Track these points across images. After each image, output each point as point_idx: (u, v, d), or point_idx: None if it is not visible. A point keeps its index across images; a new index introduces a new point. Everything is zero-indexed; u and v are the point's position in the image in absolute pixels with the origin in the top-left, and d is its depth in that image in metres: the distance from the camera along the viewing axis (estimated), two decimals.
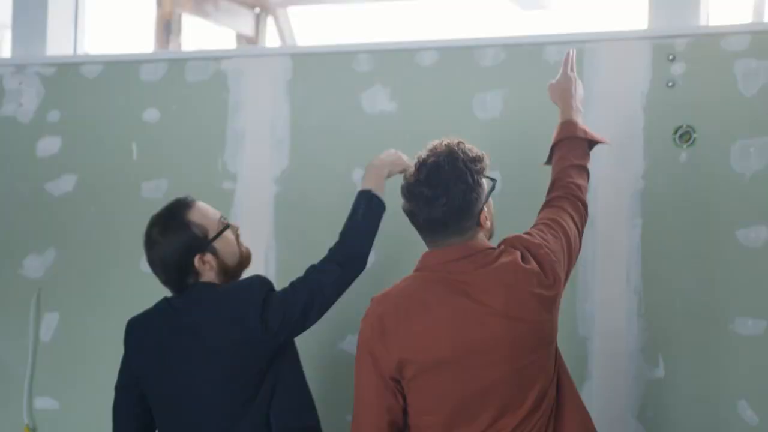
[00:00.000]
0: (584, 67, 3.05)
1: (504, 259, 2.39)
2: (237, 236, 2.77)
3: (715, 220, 2.91)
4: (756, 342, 2.85)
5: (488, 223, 2.46)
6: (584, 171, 2.67)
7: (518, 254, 2.40)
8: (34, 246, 3.56)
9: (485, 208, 2.43)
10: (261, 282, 2.69)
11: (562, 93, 2.80)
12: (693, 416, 2.90)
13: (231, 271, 2.73)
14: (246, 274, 2.79)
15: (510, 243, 2.45)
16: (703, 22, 3.08)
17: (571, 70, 2.81)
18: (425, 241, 2.46)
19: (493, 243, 2.48)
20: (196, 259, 2.66)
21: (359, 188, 2.83)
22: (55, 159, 3.57)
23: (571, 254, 2.50)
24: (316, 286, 2.70)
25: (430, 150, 2.43)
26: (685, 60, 2.97)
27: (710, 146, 2.93)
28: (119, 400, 2.77)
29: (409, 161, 2.86)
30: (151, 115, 3.48)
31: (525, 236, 2.46)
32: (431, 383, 2.35)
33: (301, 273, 2.76)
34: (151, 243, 2.69)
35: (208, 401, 2.62)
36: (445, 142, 2.43)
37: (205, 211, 2.71)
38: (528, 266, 2.38)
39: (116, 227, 3.45)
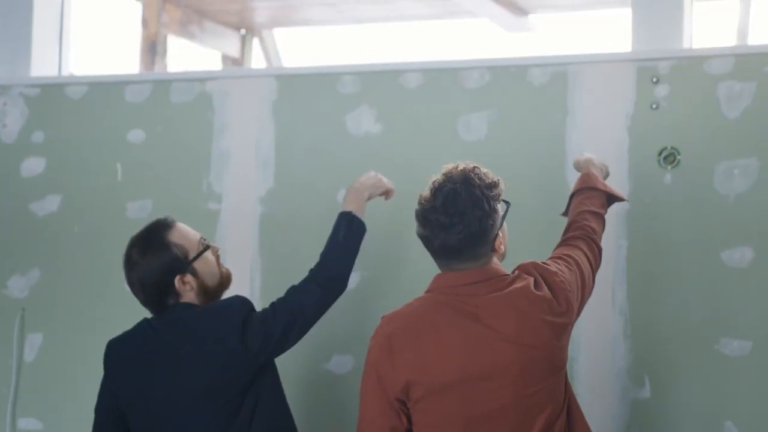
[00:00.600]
0: (569, 90, 3.06)
1: (517, 285, 2.38)
2: (217, 257, 2.76)
3: (699, 241, 2.92)
4: (742, 363, 2.85)
5: (502, 247, 2.45)
6: (600, 219, 2.68)
7: (531, 280, 2.40)
8: (18, 266, 3.55)
9: (500, 234, 2.43)
10: (241, 302, 2.68)
11: (586, 161, 2.82)
12: None
13: (211, 291, 2.71)
14: (229, 294, 2.78)
15: (525, 269, 2.44)
16: (686, 44, 3.10)
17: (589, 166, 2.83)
18: (439, 265, 2.44)
19: (506, 267, 2.47)
20: (176, 280, 2.64)
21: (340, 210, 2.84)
22: (39, 179, 3.56)
23: (584, 289, 2.50)
24: (297, 306, 2.70)
25: (445, 175, 2.40)
26: (669, 82, 2.98)
27: (694, 168, 2.94)
28: (99, 423, 2.74)
29: (390, 184, 2.86)
30: (136, 135, 3.47)
31: (541, 263, 2.46)
32: (437, 406, 2.33)
33: (284, 292, 2.76)
34: (131, 264, 2.67)
35: (189, 421, 2.60)
36: (460, 167, 2.41)
37: (185, 232, 2.70)
38: (540, 293, 2.37)
39: (101, 247, 3.43)
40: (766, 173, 2.88)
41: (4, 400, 3.52)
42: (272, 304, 2.73)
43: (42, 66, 3.76)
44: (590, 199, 2.70)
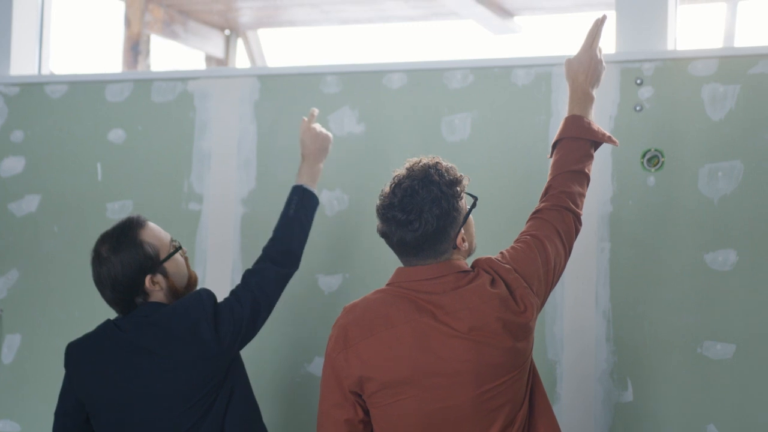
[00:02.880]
0: (553, 91, 3.05)
1: (474, 283, 2.37)
2: (186, 259, 2.75)
3: (683, 243, 2.91)
4: (725, 366, 2.84)
5: (465, 244, 2.43)
6: (583, 176, 2.57)
7: (488, 278, 2.38)
8: None
9: (462, 230, 2.41)
10: (208, 294, 2.68)
11: (576, 74, 2.66)
12: None
13: (179, 293, 2.70)
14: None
15: (481, 265, 2.43)
16: (670, 46, 3.09)
17: (595, 44, 2.66)
18: (400, 260, 2.44)
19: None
20: (147, 280, 2.62)
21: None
22: (18, 179, 3.53)
23: (549, 275, 2.45)
24: (257, 289, 2.74)
25: (407, 170, 2.39)
26: (652, 84, 2.97)
27: (678, 170, 2.93)
28: (60, 427, 2.70)
29: (322, 129, 2.97)
30: (117, 135, 3.45)
31: (495, 260, 2.44)
32: (392, 402, 2.32)
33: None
34: (101, 260, 2.64)
35: (163, 419, 2.57)
36: (422, 163, 2.40)
37: (157, 232, 2.69)
38: (495, 290, 2.35)
39: (80, 248, 3.40)
40: (750, 176, 2.87)
41: None
42: (233, 292, 2.75)
43: (21, 64, 3.73)
44: (572, 153, 2.57)
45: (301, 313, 3.20)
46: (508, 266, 2.41)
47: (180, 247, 2.71)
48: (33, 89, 3.55)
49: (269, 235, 3.25)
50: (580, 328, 2.96)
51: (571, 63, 2.68)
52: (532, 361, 2.43)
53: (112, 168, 3.44)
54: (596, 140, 2.61)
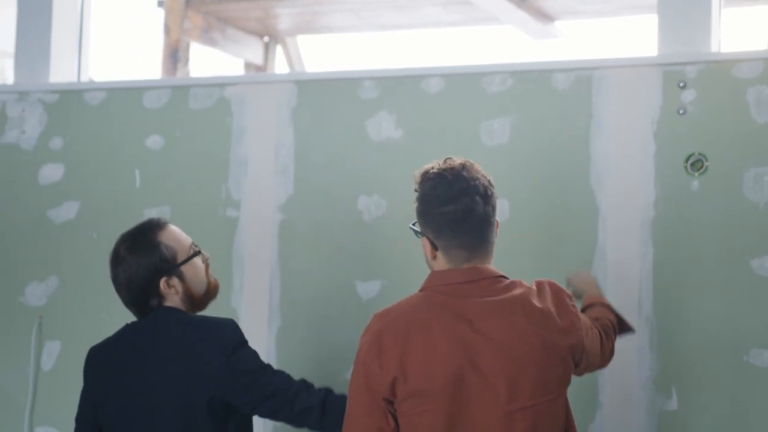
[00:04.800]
0: (593, 95, 3.01)
1: (515, 292, 2.31)
2: (207, 265, 2.70)
3: (728, 249, 2.85)
4: None
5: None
6: (614, 331, 2.60)
7: (534, 291, 2.33)
8: (36, 273, 3.53)
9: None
10: (234, 327, 2.58)
11: (585, 283, 2.78)
12: None
13: (197, 299, 2.65)
14: (215, 306, 2.73)
15: (538, 283, 2.38)
16: (714, 48, 3.03)
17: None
18: (450, 252, 2.34)
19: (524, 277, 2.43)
20: (162, 282, 2.59)
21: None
22: (57, 186, 3.54)
23: (585, 352, 2.39)
24: (291, 394, 2.57)
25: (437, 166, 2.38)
26: (696, 87, 2.92)
27: (723, 174, 2.88)
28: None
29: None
30: (155, 141, 3.45)
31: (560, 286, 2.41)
32: (420, 412, 2.25)
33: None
34: (118, 260, 2.63)
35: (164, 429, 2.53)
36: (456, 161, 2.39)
37: (176, 235, 2.65)
38: (540, 305, 2.30)
39: None
40: None
41: (22, 408, 3.49)
42: (277, 370, 2.61)
43: (61, 72, 3.74)
44: (607, 311, 2.64)
45: (339, 319, 3.18)
46: (570, 296, 2.39)
47: (199, 252, 2.67)
48: (72, 96, 3.56)
49: (307, 240, 3.22)
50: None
51: (573, 279, 2.80)
52: (567, 401, 2.36)
53: (149, 174, 3.44)
54: (622, 320, 2.67)
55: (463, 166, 2.35)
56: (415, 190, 2.40)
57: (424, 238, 2.36)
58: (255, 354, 2.59)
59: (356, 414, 2.31)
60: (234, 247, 3.31)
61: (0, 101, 3.63)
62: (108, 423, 2.61)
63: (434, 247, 2.35)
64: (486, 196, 2.33)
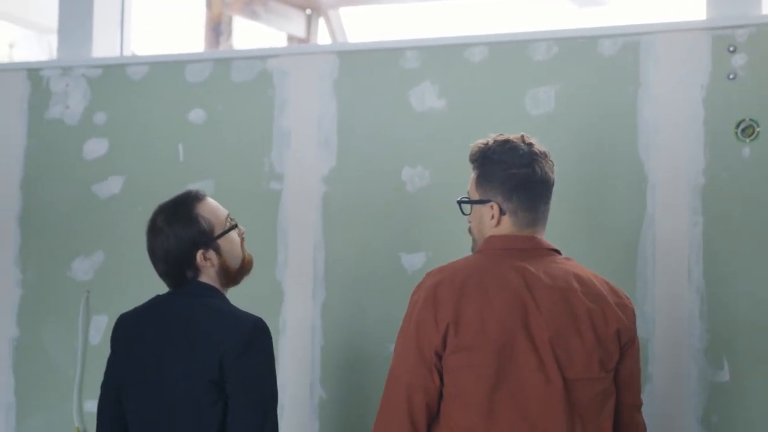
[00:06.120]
0: (641, 61, 2.95)
1: (570, 267, 2.36)
2: (242, 239, 2.69)
3: None
4: None
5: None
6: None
7: (590, 272, 2.39)
8: (82, 248, 3.55)
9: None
10: (256, 323, 2.53)
11: None
12: (761, 423, 2.79)
13: (232, 273, 2.65)
14: (253, 277, 2.72)
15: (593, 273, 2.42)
16: (765, 11, 2.95)
17: None
18: (519, 215, 2.39)
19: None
20: (199, 254, 2.59)
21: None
22: (102, 161, 3.55)
23: (633, 343, 2.41)
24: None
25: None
26: (746, 51, 2.86)
27: None
28: (103, 399, 2.70)
29: None
30: (197, 115, 3.44)
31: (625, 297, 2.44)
32: (468, 365, 2.25)
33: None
34: (155, 231, 2.63)
35: (178, 409, 2.52)
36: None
37: (214, 208, 2.65)
38: (594, 285, 2.35)
39: None
40: None
41: (71, 383, 3.52)
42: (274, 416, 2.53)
43: (104, 46, 3.75)
44: None
45: (384, 292, 3.16)
46: (627, 298, 2.41)
47: (236, 226, 2.66)
48: (115, 71, 3.56)
49: (351, 213, 3.21)
50: (672, 305, 2.87)
51: None
52: (613, 392, 2.36)
53: (192, 148, 3.44)
54: None
55: (524, 137, 2.44)
56: (475, 161, 2.43)
57: (488, 205, 2.39)
58: (269, 371, 2.52)
59: (401, 372, 2.32)
60: (278, 220, 3.30)
61: (44, 77, 3.64)
62: (126, 391, 2.63)
63: (501, 212, 2.37)
64: (551, 165, 2.43)
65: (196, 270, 2.61)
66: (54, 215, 3.60)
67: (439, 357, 2.28)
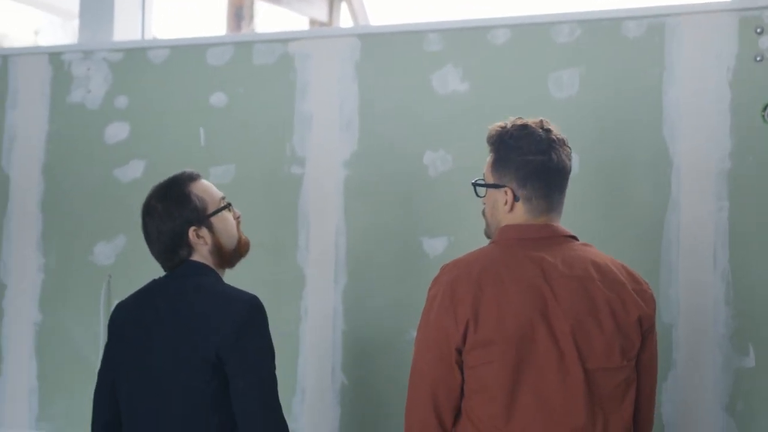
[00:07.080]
0: (666, 43, 2.91)
1: (588, 254, 2.33)
2: (238, 222, 2.71)
3: None
4: None
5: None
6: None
7: (609, 259, 2.35)
8: (104, 233, 3.55)
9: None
10: (251, 301, 2.53)
11: None
12: None
13: (226, 254, 2.65)
14: (249, 258, 2.71)
15: (613, 259, 2.39)
16: None
17: None
18: (533, 202, 2.36)
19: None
20: (191, 232, 2.60)
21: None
22: (123, 145, 3.54)
23: (652, 329, 2.38)
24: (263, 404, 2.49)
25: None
26: None
27: None
28: (100, 385, 2.70)
29: None
30: (219, 99, 3.43)
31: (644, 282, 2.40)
32: (488, 361, 2.24)
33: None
34: (148, 209, 2.65)
35: (174, 394, 2.52)
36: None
37: (207, 187, 2.67)
38: (613, 272, 2.31)
39: None
40: None
41: (93, 367, 3.52)
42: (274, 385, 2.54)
43: (125, 30, 3.74)
44: None
45: (405, 276, 3.14)
46: (646, 284, 2.38)
47: (229, 206, 2.67)
48: (136, 54, 3.55)
49: (372, 197, 3.19)
50: (697, 290, 2.84)
51: None
52: (635, 380, 2.34)
53: (214, 132, 3.43)
54: None
55: (542, 122, 2.40)
56: (492, 143, 2.40)
57: (502, 190, 2.37)
58: (266, 353, 2.52)
59: (423, 369, 2.31)
60: (299, 204, 3.28)
61: (65, 61, 3.64)
62: (120, 375, 2.63)
63: (515, 198, 2.33)
64: (568, 152, 2.39)
65: (189, 248, 2.62)
66: (76, 200, 3.60)
67: (459, 352, 2.28)
